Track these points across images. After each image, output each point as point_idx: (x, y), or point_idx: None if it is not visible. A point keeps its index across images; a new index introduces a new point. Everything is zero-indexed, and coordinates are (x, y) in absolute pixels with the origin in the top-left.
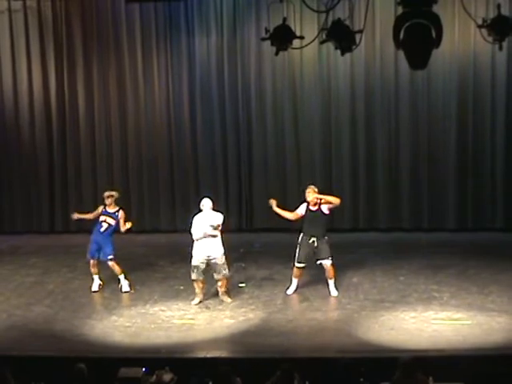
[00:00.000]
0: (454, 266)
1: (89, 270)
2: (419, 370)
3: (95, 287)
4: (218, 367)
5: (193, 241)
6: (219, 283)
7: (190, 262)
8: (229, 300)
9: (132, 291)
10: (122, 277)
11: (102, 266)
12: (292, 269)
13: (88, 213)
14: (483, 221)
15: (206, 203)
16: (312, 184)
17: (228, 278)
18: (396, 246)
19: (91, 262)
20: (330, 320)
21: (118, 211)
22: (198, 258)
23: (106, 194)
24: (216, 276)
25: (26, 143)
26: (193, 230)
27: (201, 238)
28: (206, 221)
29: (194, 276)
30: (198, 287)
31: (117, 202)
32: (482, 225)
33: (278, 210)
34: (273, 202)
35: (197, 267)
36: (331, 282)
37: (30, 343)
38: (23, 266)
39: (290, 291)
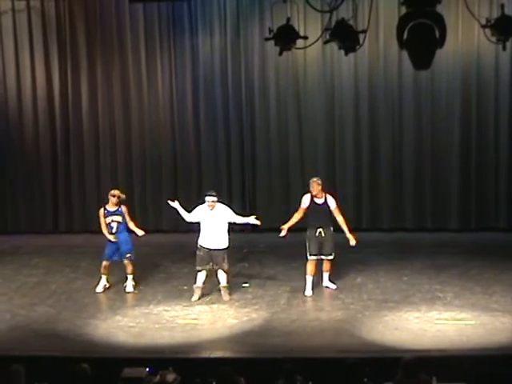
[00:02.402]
0: (457, 266)
1: (93, 271)
2: (422, 370)
3: (100, 288)
4: (221, 367)
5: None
6: (220, 276)
7: (195, 252)
8: (227, 297)
9: (136, 291)
10: (130, 277)
11: (114, 267)
12: (306, 265)
13: (104, 229)
14: (486, 221)
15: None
16: (316, 176)
17: (229, 272)
18: (399, 246)
19: (104, 263)
20: (333, 320)
21: (119, 207)
22: (203, 247)
23: (117, 193)
24: (215, 267)
25: (30, 143)
26: (192, 216)
27: (203, 230)
28: (210, 215)
29: (196, 267)
30: (200, 280)
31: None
32: (485, 225)
33: (288, 225)
34: (283, 229)
35: (201, 257)
36: (326, 276)
37: (33, 343)
38: (26, 265)
39: (308, 292)
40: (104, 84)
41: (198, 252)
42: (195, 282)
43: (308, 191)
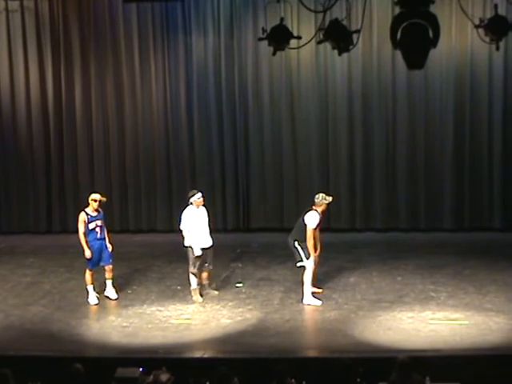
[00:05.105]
0: (451, 266)
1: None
2: (416, 370)
3: (95, 300)
4: (215, 367)
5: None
6: (204, 275)
7: (188, 255)
8: (216, 292)
9: (129, 291)
10: (110, 282)
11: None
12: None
13: (83, 237)
14: (480, 221)
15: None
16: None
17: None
18: (393, 246)
19: (91, 272)
20: (327, 320)
21: (99, 212)
22: (200, 249)
23: (99, 197)
24: (207, 267)
25: (23, 143)
26: (187, 223)
27: (197, 230)
28: (199, 214)
29: (195, 269)
30: (196, 281)
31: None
32: (478, 225)
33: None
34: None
35: (198, 259)
36: None
37: (27, 343)
38: (20, 265)
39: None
40: (98, 83)
41: (196, 253)
42: (191, 285)
43: (313, 208)
